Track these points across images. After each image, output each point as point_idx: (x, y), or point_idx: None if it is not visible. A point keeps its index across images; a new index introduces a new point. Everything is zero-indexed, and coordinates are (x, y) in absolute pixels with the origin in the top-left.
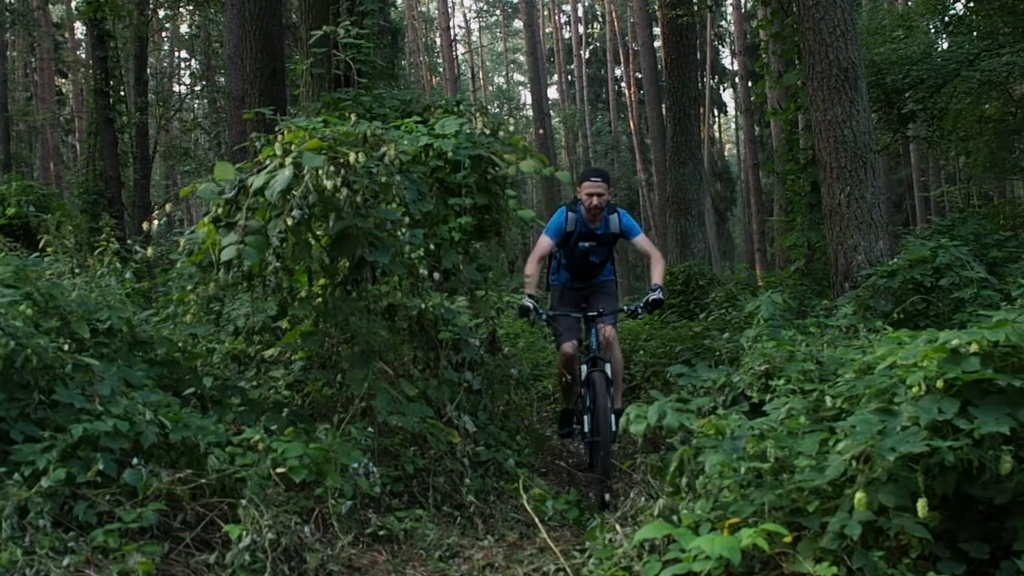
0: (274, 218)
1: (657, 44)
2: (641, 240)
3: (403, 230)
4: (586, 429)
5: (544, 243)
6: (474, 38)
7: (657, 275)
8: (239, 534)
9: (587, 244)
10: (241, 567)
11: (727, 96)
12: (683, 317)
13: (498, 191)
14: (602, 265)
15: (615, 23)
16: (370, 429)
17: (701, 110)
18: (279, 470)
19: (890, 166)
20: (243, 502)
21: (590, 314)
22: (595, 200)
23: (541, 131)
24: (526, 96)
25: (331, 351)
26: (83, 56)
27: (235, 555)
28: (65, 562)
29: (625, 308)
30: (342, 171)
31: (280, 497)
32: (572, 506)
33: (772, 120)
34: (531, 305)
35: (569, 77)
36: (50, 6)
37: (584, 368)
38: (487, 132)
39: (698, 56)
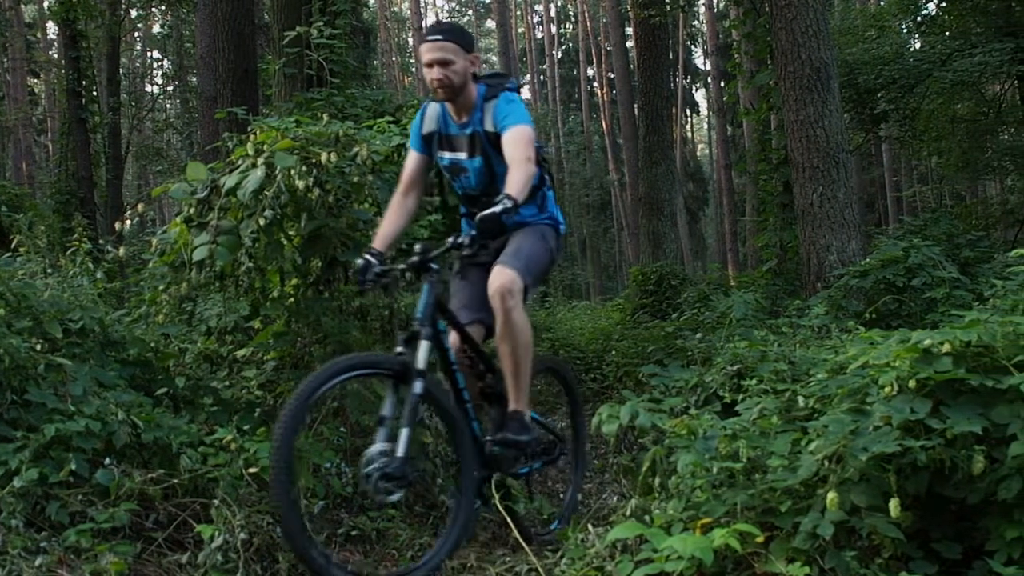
0: (246, 218)
1: (629, 44)
2: (514, 136)
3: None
4: (399, 452)
5: (408, 161)
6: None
7: (510, 183)
8: (211, 534)
9: (452, 155)
10: (213, 567)
11: (699, 96)
12: (655, 317)
13: None
14: (494, 192)
15: (587, 23)
16: (342, 429)
17: (673, 110)
18: (251, 470)
19: (862, 166)
20: (215, 502)
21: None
22: (436, 72)
23: None
24: None
25: (303, 351)
26: (55, 56)
27: (207, 555)
28: (37, 562)
29: (451, 241)
30: (314, 171)
31: (252, 497)
32: (544, 505)
33: (744, 120)
34: (362, 262)
35: (541, 77)
36: (22, 6)
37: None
38: None
39: (670, 56)
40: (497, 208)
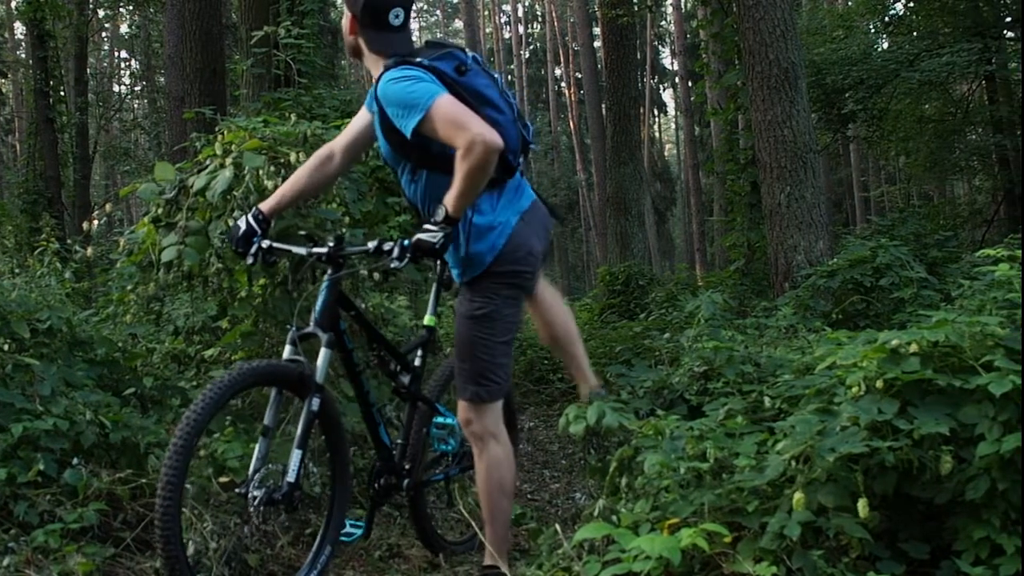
0: (215, 219)
1: (597, 44)
2: (432, 116)
3: (343, 230)
4: (289, 477)
5: (356, 117)
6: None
7: (451, 190)
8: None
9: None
10: None
11: (667, 96)
12: (623, 317)
13: None
14: (417, 182)
15: (555, 23)
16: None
17: (641, 110)
18: (222, 479)
19: (830, 166)
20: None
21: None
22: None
23: None
24: None
25: (271, 351)
26: (23, 56)
27: None
28: (5, 562)
29: (373, 245)
30: (283, 171)
31: (220, 497)
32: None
33: (712, 120)
34: (243, 226)
35: (509, 77)
36: None
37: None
38: None
39: (638, 56)
40: (436, 239)
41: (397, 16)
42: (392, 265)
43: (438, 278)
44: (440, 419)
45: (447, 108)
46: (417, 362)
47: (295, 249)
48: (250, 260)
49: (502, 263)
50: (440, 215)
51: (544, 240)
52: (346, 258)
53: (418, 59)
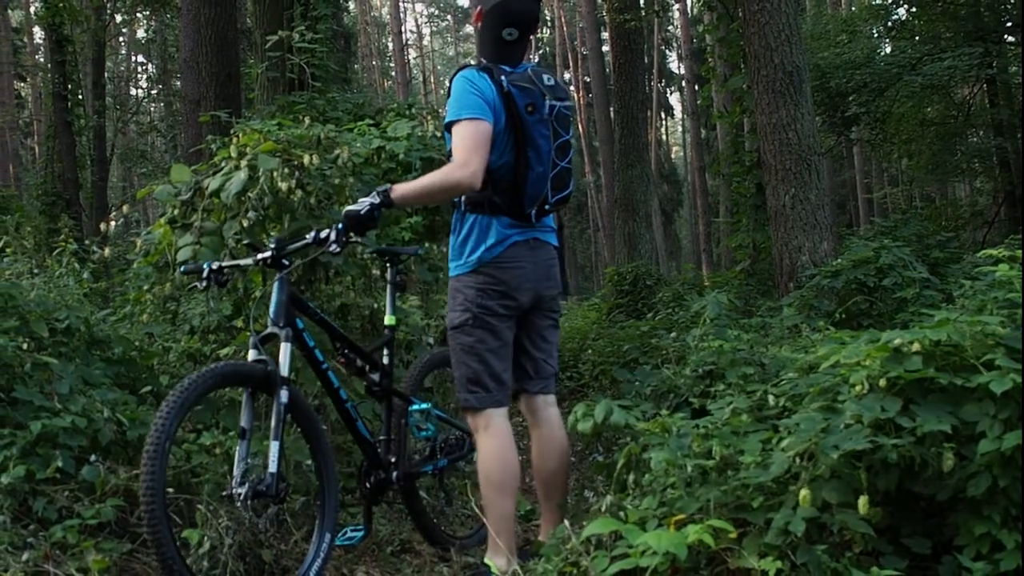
0: (230, 219)
1: (605, 48)
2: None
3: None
4: (271, 467)
5: None
6: (425, 43)
7: (413, 181)
8: (199, 539)
9: None
10: (200, 571)
11: (674, 99)
12: (631, 316)
13: None
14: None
15: (564, 28)
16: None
17: (648, 113)
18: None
19: (834, 168)
20: (200, 507)
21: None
22: None
23: None
24: None
25: None
26: (42, 60)
27: (195, 560)
28: (24, 557)
29: (312, 236)
30: (296, 173)
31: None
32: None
33: (718, 123)
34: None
35: None
36: (9, 11)
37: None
38: (438, 135)
39: (645, 60)
40: (362, 207)
41: (511, 34)
42: (331, 249)
43: (391, 279)
44: (414, 407)
45: (472, 132)
46: (385, 360)
47: (243, 262)
48: (203, 285)
49: (490, 267)
50: (379, 189)
51: (537, 285)
52: (290, 256)
53: (503, 76)
